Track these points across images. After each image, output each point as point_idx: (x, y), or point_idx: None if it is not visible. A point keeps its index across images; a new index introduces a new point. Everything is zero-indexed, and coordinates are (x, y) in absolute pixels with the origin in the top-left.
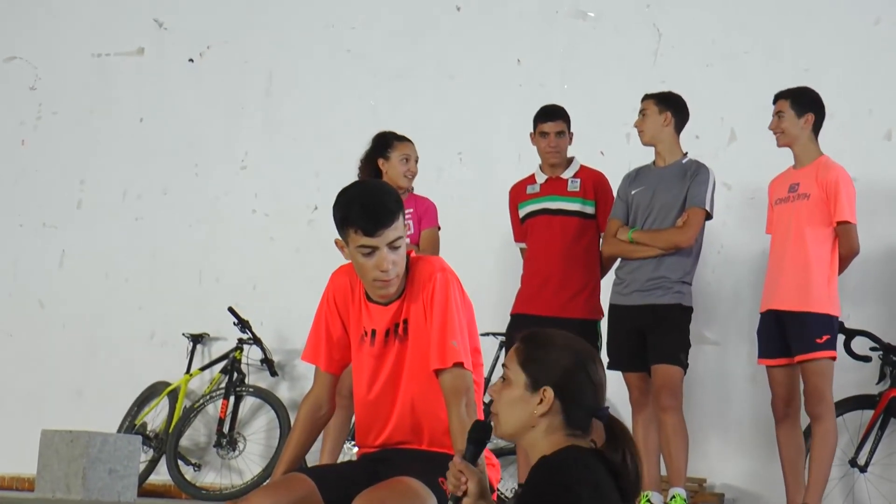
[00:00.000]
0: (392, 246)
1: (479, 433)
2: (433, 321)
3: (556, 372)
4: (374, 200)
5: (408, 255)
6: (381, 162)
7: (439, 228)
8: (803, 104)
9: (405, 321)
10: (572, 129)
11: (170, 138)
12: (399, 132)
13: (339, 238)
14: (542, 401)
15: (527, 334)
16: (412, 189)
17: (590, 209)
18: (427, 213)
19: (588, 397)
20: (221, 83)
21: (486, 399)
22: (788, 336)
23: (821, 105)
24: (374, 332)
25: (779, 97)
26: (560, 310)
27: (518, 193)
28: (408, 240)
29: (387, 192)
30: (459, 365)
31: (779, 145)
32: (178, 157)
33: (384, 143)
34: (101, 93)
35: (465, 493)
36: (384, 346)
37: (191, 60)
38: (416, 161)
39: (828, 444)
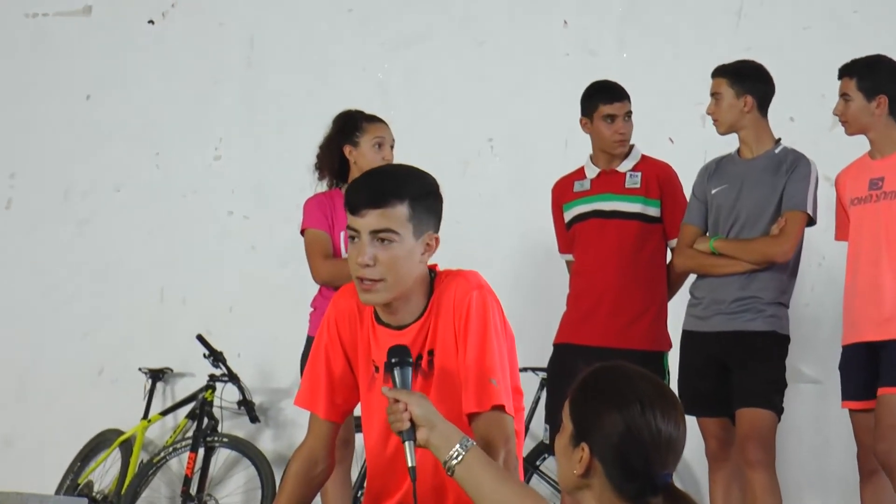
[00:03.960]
0: (377, 236)
1: (396, 355)
2: (468, 353)
3: (596, 425)
4: (374, 174)
5: (431, 268)
6: (347, 150)
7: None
8: (873, 84)
9: (430, 352)
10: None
11: (124, 121)
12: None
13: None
14: (580, 458)
15: (590, 370)
16: None
17: (653, 210)
18: None
19: (639, 460)
20: (189, 51)
21: None
22: (881, 370)
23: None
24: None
25: (844, 73)
26: (615, 339)
27: (563, 192)
28: (422, 248)
29: (404, 173)
30: (500, 409)
31: (848, 133)
32: (135, 144)
33: (351, 126)
34: (36, 63)
35: (413, 425)
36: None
37: (150, 22)
38: (392, 147)
39: None
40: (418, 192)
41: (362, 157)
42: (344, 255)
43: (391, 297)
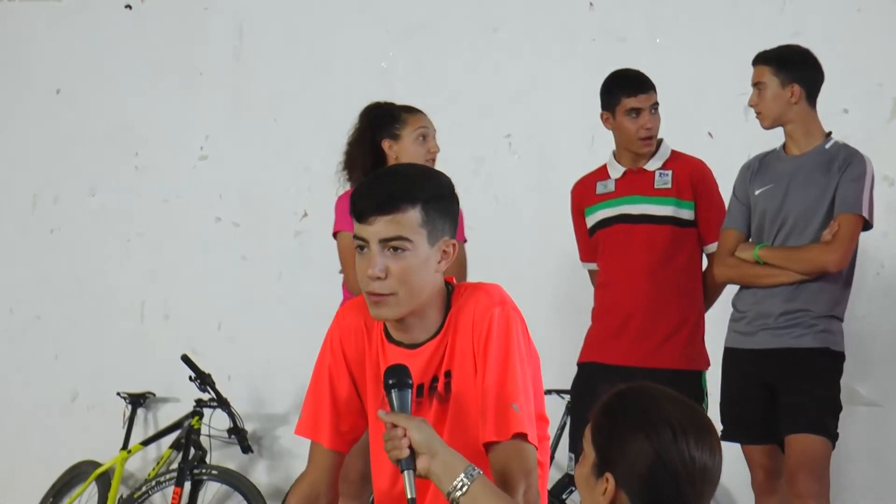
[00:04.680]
0: (388, 245)
1: (394, 375)
2: (487, 375)
3: (622, 454)
4: (381, 177)
5: (448, 281)
6: (387, 144)
7: (464, 242)
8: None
9: (447, 374)
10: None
11: (98, 118)
12: (420, 108)
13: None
14: (605, 490)
15: (614, 392)
16: None
17: (686, 213)
18: None
19: (670, 493)
20: (171, 39)
21: None
22: None
23: None
24: None
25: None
26: (646, 357)
27: (584, 194)
28: (438, 256)
29: (415, 173)
30: (521, 437)
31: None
32: (111, 144)
33: (388, 118)
34: (1, 52)
35: (412, 452)
36: (416, 409)
37: (128, 7)
38: (435, 135)
39: None
40: (431, 195)
41: (405, 151)
42: None
43: (404, 311)
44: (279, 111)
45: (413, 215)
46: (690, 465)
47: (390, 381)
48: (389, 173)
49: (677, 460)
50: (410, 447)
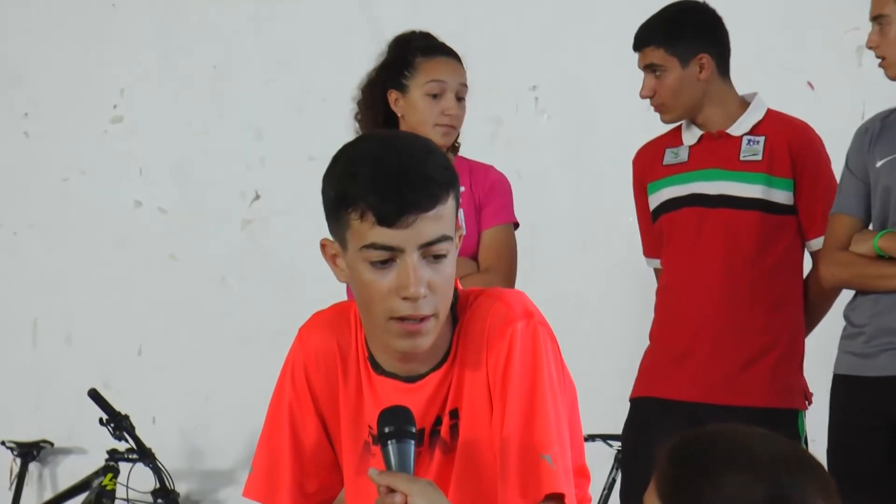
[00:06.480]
0: (430, 253)
1: (392, 421)
2: (508, 415)
3: None
4: (400, 161)
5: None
6: (392, 98)
7: (517, 226)
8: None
9: (453, 413)
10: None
11: None
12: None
13: (330, 237)
14: None
15: (688, 437)
16: (457, 151)
17: (782, 195)
18: (493, 195)
19: None
20: None
21: None
22: None
23: None
24: None
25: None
26: (722, 391)
27: (649, 164)
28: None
29: (428, 149)
30: (557, 499)
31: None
32: None
33: (400, 60)
34: None
35: None
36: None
37: None
38: (464, 92)
39: None
40: (453, 172)
41: (411, 109)
42: None
43: (435, 337)
44: (220, 54)
45: (449, 205)
46: None
47: (386, 430)
48: (406, 154)
49: None
50: None
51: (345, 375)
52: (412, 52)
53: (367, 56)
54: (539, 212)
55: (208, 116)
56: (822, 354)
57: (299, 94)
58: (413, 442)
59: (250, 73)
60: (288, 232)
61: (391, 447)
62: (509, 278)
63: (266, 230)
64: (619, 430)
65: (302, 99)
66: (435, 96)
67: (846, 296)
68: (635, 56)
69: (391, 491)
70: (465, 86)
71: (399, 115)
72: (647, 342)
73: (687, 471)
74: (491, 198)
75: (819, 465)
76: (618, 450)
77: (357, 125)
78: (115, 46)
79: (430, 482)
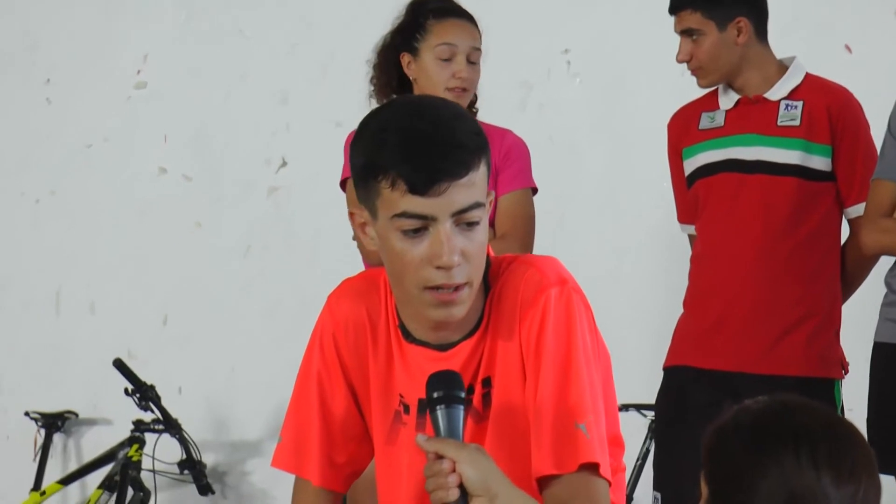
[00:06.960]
0: (463, 220)
1: (441, 386)
2: (542, 383)
3: (754, 493)
4: (430, 127)
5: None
6: (405, 61)
7: (535, 191)
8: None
9: (486, 381)
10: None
11: None
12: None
13: (357, 207)
14: None
15: (741, 409)
16: (474, 116)
17: (820, 162)
18: (510, 160)
19: None
20: None
21: None
22: None
23: None
24: (421, 403)
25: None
26: (758, 360)
27: (684, 129)
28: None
29: (457, 114)
30: (591, 468)
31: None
32: (12, 68)
33: (413, 22)
34: None
35: (464, 494)
36: None
37: None
38: (477, 56)
39: None
40: (484, 137)
41: (423, 73)
42: None
43: (469, 305)
44: (244, 18)
45: (481, 172)
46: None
47: (435, 395)
48: (435, 120)
49: (834, 500)
50: (461, 486)
51: (374, 344)
52: (425, 14)
53: (394, 19)
54: (571, 178)
55: (233, 81)
56: (860, 322)
57: (326, 58)
58: (462, 407)
59: (276, 37)
60: (314, 200)
61: (440, 412)
62: (526, 245)
63: (292, 198)
64: (652, 400)
65: (328, 63)
66: (446, 60)
67: (885, 263)
68: (670, 18)
69: (439, 457)
70: (477, 49)
71: (412, 78)
72: (681, 310)
73: (734, 452)
74: (508, 163)
75: (860, 436)
76: (651, 419)
77: (371, 88)
78: (138, 10)
79: (480, 447)
